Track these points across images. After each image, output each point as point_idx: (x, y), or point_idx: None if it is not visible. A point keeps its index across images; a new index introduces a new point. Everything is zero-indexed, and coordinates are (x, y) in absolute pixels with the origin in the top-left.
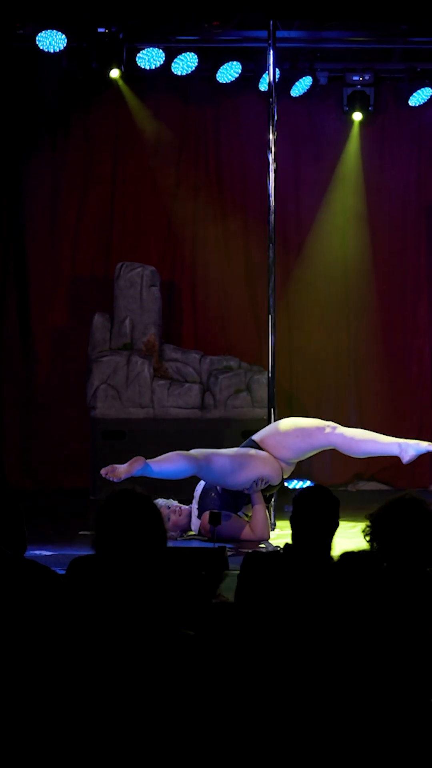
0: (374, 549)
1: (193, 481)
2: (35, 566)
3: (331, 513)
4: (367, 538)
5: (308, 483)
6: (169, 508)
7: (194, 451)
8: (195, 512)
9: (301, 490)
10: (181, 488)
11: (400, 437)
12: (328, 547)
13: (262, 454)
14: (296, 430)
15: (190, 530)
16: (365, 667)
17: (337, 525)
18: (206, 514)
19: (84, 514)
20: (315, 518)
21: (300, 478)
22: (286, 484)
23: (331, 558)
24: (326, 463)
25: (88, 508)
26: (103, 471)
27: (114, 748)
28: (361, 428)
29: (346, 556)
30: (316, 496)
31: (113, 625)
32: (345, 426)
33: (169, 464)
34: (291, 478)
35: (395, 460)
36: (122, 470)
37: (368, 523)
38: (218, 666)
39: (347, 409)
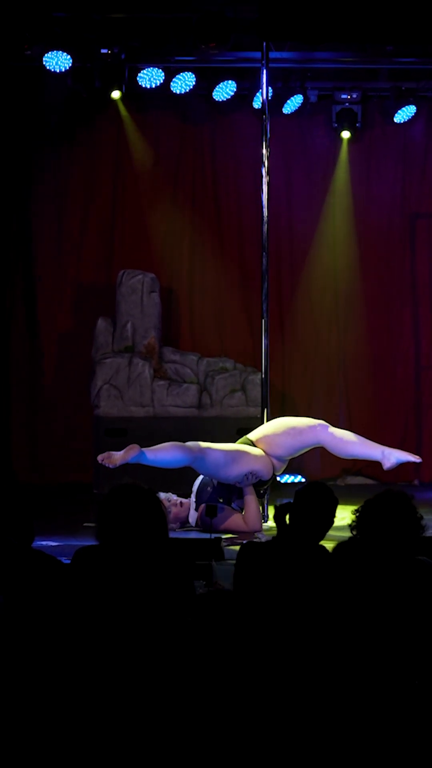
0: (360, 541)
1: (192, 476)
2: (42, 556)
3: (329, 511)
4: (354, 532)
5: (300, 478)
6: (169, 501)
7: (190, 443)
8: (193, 505)
9: (306, 485)
10: (181, 482)
11: (386, 435)
12: (320, 539)
13: (254, 450)
14: (288, 429)
15: (188, 522)
16: (356, 648)
17: (332, 522)
18: (203, 507)
19: (88, 507)
20: (315, 513)
21: (291, 472)
22: (278, 478)
23: (321, 547)
24: (316, 458)
25: (91, 502)
26: (99, 457)
27: (115, 730)
28: (350, 426)
29: (341, 546)
30: (319, 493)
31: (116, 612)
32: (334, 425)
33: (164, 453)
34: (283, 473)
35: None
36: (118, 457)
37: (354, 517)
38: (215, 650)
39: (336, 408)
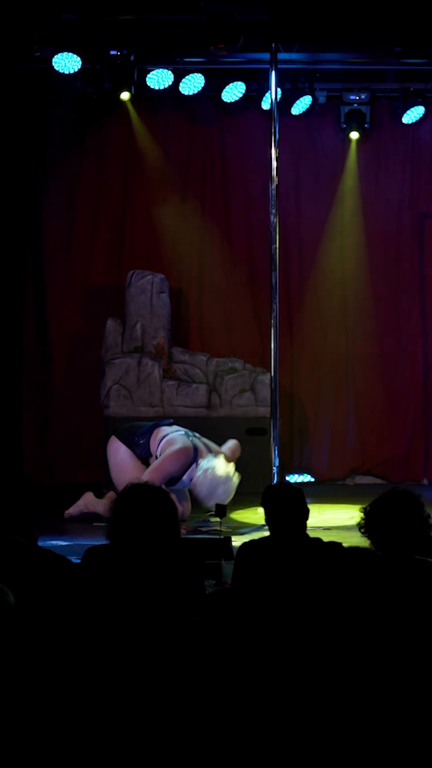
0: (368, 539)
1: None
2: (52, 555)
3: (298, 503)
4: (362, 530)
5: (308, 477)
6: None
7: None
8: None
9: (266, 489)
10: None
11: (394, 435)
12: (304, 532)
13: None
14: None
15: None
16: (360, 646)
17: (307, 511)
18: (215, 506)
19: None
20: (287, 512)
21: (299, 472)
22: (286, 477)
23: (313, 542)
24: (324, 457)
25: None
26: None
27: (123, 729)
28: (358, 426)
29: (352, 551)
30: (281, 493)
31: (125, 611)
32: (342, 425)
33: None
34: (291, 472)
35: (390, 455)
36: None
37: (362, 515)
38: (221, 647)
39: (344, 408)
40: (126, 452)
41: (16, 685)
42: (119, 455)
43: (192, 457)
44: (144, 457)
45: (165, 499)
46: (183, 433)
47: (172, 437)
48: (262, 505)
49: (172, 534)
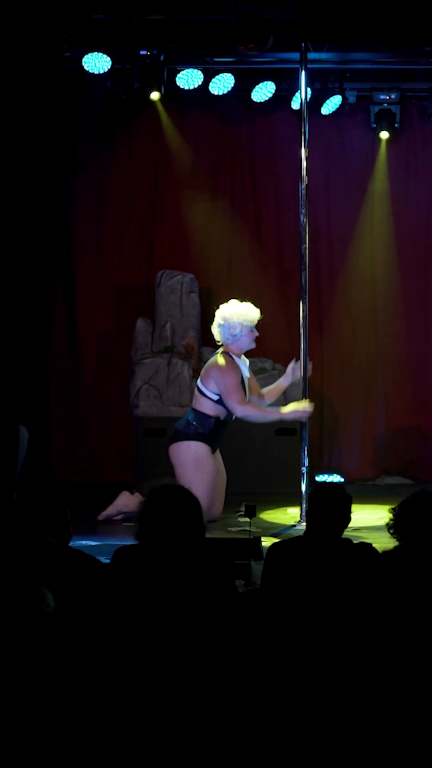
0: (397, 540)
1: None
2: (81, 555)
3: (344, 509)
4: (391, 531)
5: (338, 477)
6: None
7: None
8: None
9: (317, 486)
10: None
11: (426, 434)
12: (339, 537)
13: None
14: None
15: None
16: (379, 645)
17: (349, 520)
18: (244, 505)
19: None
20: (330, 514)
21: (329, 472)
22: (316, 478)
23: (344, 546)
24: (353, 458)
25: None
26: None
27: (150, 726)
28: (387, 426)
29: (391, 553)
30: (332, 494)
31: (153, 610)
32: (372, 425)
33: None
34: (321, 472)
35: (420, 455)
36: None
37: (391, 516)
38: (250, 647)
39: (374, 408)
40: (196, 444)
41: (49, 682)
42: (191, 450)
43: (232, 359)
44: (204, 432)
45: (189, 498)
46: (209, 359)
47: (206, 370)
48: (309, 498)
49: (196, 533)
